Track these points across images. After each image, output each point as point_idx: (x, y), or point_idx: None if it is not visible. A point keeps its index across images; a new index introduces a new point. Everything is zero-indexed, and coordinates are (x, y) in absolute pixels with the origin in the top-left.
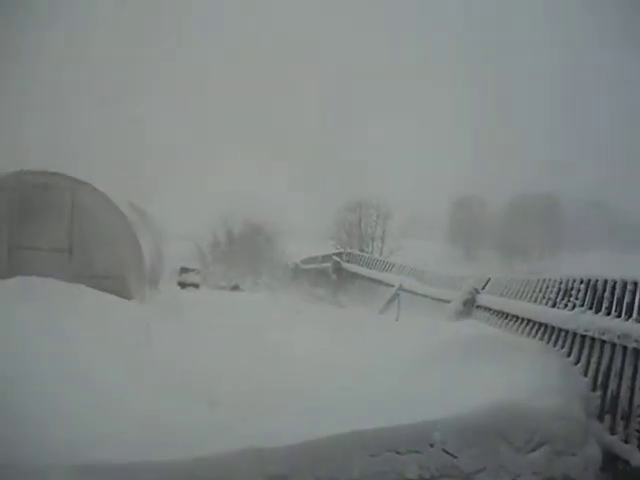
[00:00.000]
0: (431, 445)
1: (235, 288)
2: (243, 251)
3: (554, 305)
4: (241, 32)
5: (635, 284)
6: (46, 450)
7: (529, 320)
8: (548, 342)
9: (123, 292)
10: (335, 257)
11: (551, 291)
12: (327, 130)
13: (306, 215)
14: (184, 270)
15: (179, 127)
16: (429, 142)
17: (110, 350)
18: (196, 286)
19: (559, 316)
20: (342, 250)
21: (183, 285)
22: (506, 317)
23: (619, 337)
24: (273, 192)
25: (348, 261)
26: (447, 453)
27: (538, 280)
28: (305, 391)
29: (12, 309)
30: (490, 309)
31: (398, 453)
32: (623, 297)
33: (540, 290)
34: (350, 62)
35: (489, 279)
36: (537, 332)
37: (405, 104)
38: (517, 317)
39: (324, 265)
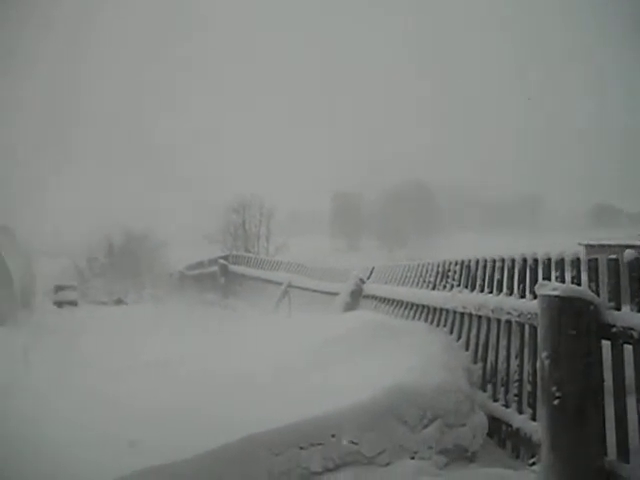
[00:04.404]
0: (332, 435)
1: (119, 302)
2: (124, 263)
3: (434, 287)
4: None
5: (502, 261)
6: None
7: (413, 304)
8: (432, 322)
9: None
10: (221, 260)
11: (430, 274)
12: (202, 135)
13: (188, 220)
14: (59, 288)
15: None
16: (306, 140)
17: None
18: (74, 304)
19: (439, 297)
20: (228, 252)
21: (60, 304)
22: (392, 303)
23: (492, 311)
24: (151, 201)
25: (235, 263)
26: (348, 441)
27: (418, 265)
28: (204, 401)
29: None
30: (376, 297)
31: (301, 448)
32: (493, 274)
33: (421, 275)
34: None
35: (373, 268)
36: (421, 314)
37: (282, 107)
38: (402, 302)
39: (211, 269)
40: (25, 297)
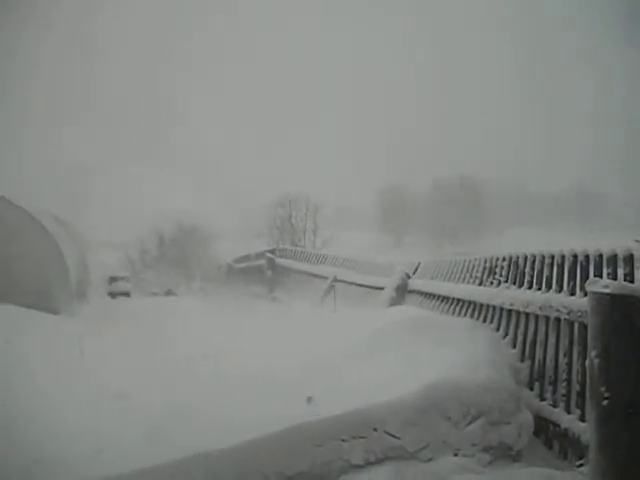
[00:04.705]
0: (374, 429)
1: (168, 293)
2: (175, 255)
3: (481, 283)
4: None
5: (552, 257)
6: None
7: (459, 299)
8: (477, 319)
9: (49, 307)
10: (268, 253)
11: (477, 270)
12: (250, 128)
13: (235, 214)
14: (113, 279)
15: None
16: (351, 134)
17: (38, 366)
18: (127, 294)
19: (486, 293)
20: (275, 246)
21: (113, 295)
22: (437, 299)
23: (540, 308)
24: (200, 195)
25: (282, 256)
26: (390, 435)
27: (465, 261)
28: (245, 391)
29: None
30: (422, 292)
31: (343, 440)
32: (542, 270)
33: (467, 270)
34: (271, 63)
35: (419, 263)
36: (467, 310)
37: (326, 101)
38: (447, 298)
39: (258, 262)
40: (80, 287)
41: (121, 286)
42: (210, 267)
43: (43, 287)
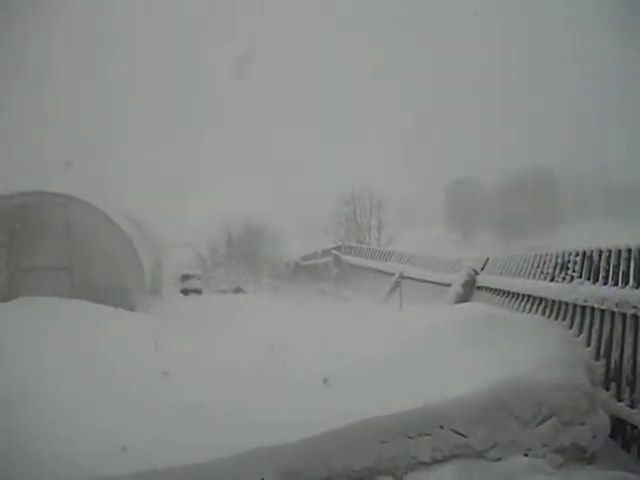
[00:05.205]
0: (441, 427)
1: (237, 291)
2: (243, 253)
3: (552, 279)
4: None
5: (629, 251)
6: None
7: (529, 296)
8: (549, 316)
9: (125, 304)
10: (334, 251)
11: (549, 266)
12: (312, 125)
13: (301, 212)
14: (185, 277)
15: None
16: (415, 126)
17: (114, 360)
18: (198, 292)
19: (558, 289)
20: (341, 243)
21: (186, 292)
22: (507, 295)
23: (617, 305)
24: (265, 193)
25: (347, 254)
26: (457, 433)
27: (535, 256)
28: (313, 385)
29: (15, 329)
30: (490, 289)
31: (409, 437)
32: (618, 265)
33: (538, 265)
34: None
35: (487, 259)
36: (538, 307)
37: (388, 93)
38: (517, 294)
39: (324, 260)
40: (154, 285)
41: (193, 284)
42: (278, 264)
43: (119, 285)
